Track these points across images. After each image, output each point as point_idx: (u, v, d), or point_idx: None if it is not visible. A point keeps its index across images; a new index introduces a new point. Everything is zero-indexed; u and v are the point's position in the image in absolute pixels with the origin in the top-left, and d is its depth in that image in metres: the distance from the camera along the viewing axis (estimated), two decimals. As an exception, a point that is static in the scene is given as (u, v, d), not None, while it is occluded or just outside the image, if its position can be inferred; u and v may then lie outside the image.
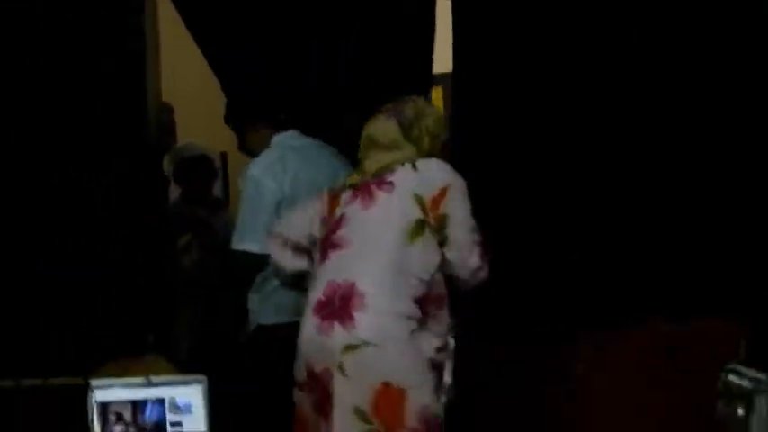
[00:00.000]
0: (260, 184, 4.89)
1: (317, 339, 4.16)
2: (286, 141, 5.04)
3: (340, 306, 4.13)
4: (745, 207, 5.07)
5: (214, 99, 5.48)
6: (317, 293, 4.21)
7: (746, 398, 3.63)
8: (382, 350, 4.07)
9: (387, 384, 4.07)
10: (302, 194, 4.84)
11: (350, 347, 4.08)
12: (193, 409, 4.61)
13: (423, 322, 4.14)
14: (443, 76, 5.77)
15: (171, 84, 6.28)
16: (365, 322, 4.08)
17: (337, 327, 4.10)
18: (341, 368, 4.08)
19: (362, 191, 4.28)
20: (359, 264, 4.17)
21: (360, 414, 4.08)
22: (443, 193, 4.21)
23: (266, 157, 4.98)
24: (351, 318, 4.10)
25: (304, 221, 4.40)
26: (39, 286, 5.09)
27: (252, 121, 5.07)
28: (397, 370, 4.09)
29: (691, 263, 5.09)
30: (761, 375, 3.65)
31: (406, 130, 4.30)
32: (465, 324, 4.32)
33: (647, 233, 5.17)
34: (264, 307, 4.94)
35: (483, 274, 4.27)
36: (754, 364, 3.77)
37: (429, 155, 4.29)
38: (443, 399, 4.19)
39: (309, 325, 4.19)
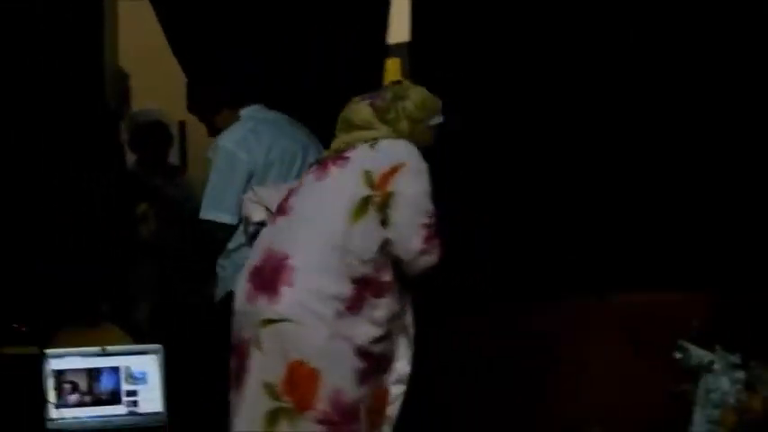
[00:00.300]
0: (233, 156, 4.89)
1: (244, 307, 4.11)
2: (257, 114, 5.04)
3: (269, 278, 4.05)
4: (721, 185, 5.08)
5: (172, 66, 5.45)
6: (254, 259, 4.16)
7: (693, 375, 3.69)
8: (300, 327, 3.97)
9: (300, 363, 3.96)
10: (276, 164, 4.90)
11: (269, 322, 4.01)
12: (149, 378, 4.63)
13: (356, 306, 4.01)
14: (399, 46, 5.76)
15: (127, 50, 6.24)
16: (288, 298, 3.99)
17: (261, 298, 4.04)
18: (258, 341, 4.03)
19: (320, 165, 4.25)
20: (296, 235, 4.09)
21: (269, 390, 3.99)
22: (394, 170, 4.07)
23: (239, 130, 4.96)
24: (276, 292, 4.02)
25: (280, 193, 4.35)
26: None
27: (215, 106, 5.05)
28: (313, 349, 3.96)
29: (663, 236, 5.11)
30: (707, 353, 3.71)
31: (381, 112, 4.20)
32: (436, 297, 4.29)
33: (626, 205, 5.17)
34: (236, 273, 4.91)
35: (428, 260, 4.08)
36: (716, 339, 3.84)
37: (411, 138, 4.18)
38: (400, 388, 4.11)
39: (241, 291, 4.14)
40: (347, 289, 4.00)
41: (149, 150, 6.10)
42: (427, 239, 4.05)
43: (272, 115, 5.08)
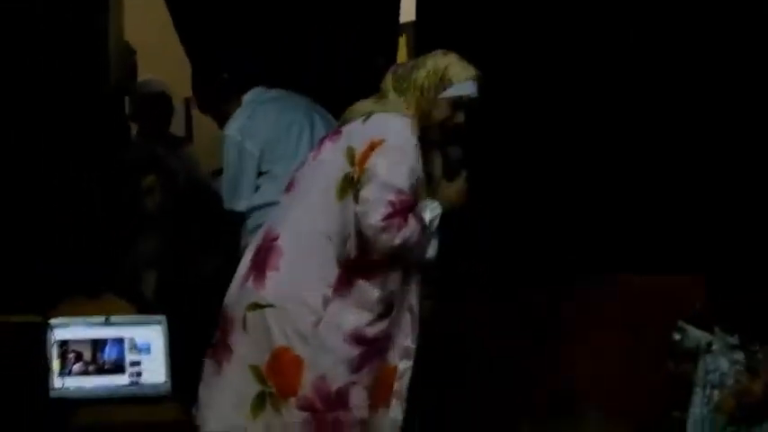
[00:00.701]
0: (239, 145, 4.93)
1: (237, 286, 4.06)
2: (257, 97, 5.06)
3: (261, 259, 3.99)
4: (722, 167, 5.10)
5: (177, 43, 5.48)
6: (258, 235, 4.12)
7: (692, 357, 3.71)
8: (285, 313, 3.89)
9: (285, 349, 3.89)
10: (282, 139, 4.94)
11: (255, 306, 3.95)
12: (153, 349, 4.67)
13: (344, 291, 3.90)
14: (406, 25, 5.77)
15: (134, 27, 6.24)
16: (274, 283, 3.92)
17: (251, 282, 3.98)
18: (244, 323, 3.97)
19: (322, 139, 4.19)
20: (288, 214, 4.02)
21: (256, 373, 3.93)
22: (372, 147, 3.86)
23: (240, 117, 4.99)
24: (263, 276, 3.95)
25: None
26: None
27: (223, 100, 5.08)
28: (297, 336, 3.88)
29: (663, 217, 5.13)
30: (706, 335, 3.73)
31: (397, 80, 3.99)
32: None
33: (627, 188, 5.19)
34: None
35: (387, 239, 3.82)
36: (715, 320, 3.86)
37: (417, 112, 3.96)
38: (407, 363, 4.00)
39: (240, 267, 4.10)
40: (334, 272, 3.90)
41: (151, 121, 6.10)
42: (387, 217, 3.79)
43: (273, 93, 5.11)
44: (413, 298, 4.02)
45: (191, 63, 5.36)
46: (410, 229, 3.84)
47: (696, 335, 3.75)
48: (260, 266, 3.99)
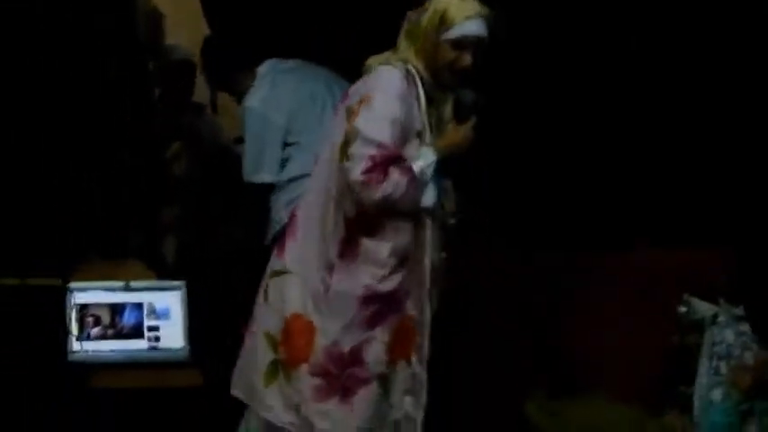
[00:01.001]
0: (262, 117, 4.87)
1: (271, 255, 4.08)
2: (274, 68, 5.00)
3: (286, 230, 4.02)
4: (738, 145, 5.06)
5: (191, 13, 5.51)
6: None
7: (698, 329, 3.68)
8: (298, 279, 3.90)
9: (298, 316, 3.88)
10: (305, 108, 4.90)
11: (275, 273, 3.96)
12: (172, 314, 4.70)
13: (352, 252, 3.85)
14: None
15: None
16: (291, 250, 3.93)
17: (276, 251, 4.01)
18: (265, 292, 3.99)
19: (337, 104, 4.18)
20: (310, 181, 4.06)
21: (270, 340, 3.94)
22: (361, 103, 3.80)
23: (262, 87, 4.93)
24: (284, 244, 3.97)
25: None
26: (22, 188, 5.11)
27: (236, 71, 5.04)
28: (310, 302, 3.88)
29: (682, 193, 5.09)
30: (711, 306, 3.70)
31: (409, 26, 3.89)
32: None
33: (645, 161, 5.16)
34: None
35: (369, 194, 3.75)
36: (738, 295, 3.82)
37: (424, 57, 3.84)
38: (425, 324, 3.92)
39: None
40: (342, 234, 3.85)
41: (176, 88, 6.09)
42: (367, 171, 3.73)
43: (290, 64, 5.06)
44: (428, 247, 3.91)
45: (210, 28, 5.34)
46: (392, 182, 3.76)
47: (702, 307, 3.72)
48: (284, 236, 4.02)
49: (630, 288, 4.81)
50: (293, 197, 4.66)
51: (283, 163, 4.90)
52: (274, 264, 3.99)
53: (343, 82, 4.93)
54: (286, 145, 4.90)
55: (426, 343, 3.92)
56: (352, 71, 4.11)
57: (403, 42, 3.91)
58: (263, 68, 5.00)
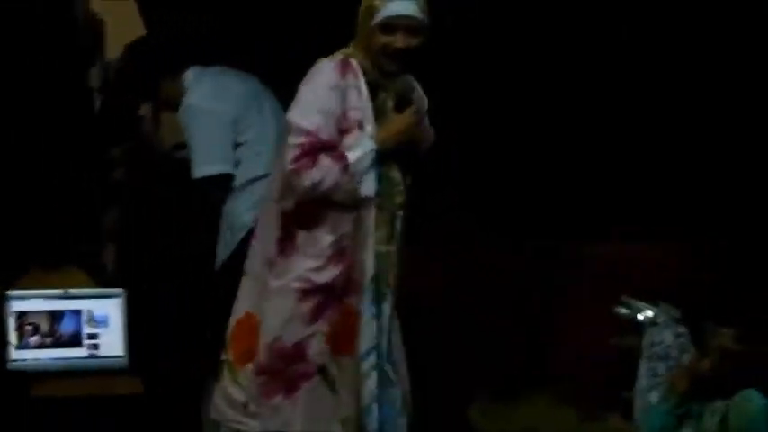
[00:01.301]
0: (210, 113, 4.74)
1: None
2: (205, 71, 4.91)
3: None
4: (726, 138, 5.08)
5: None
6: None
7: (637, 330, 3.71)
8: (251, 280, 4.05)
9: (250, 315, 4.00)
10: (251, 103, 4.82)
11: (244, 274, 4.11)
12: (111, 322, 4.65)
13: (288, 246, 3.93)
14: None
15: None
16: (252, 252, 4.07)
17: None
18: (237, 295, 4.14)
19: None
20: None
21: (225, 344, 4.07)
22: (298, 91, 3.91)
23: (201, 86, 4.84)
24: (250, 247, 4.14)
25: None
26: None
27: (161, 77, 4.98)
28: (256, 301, 3.99)
29: (661, 187, 5.11)
30: (650, 307, 3.73)
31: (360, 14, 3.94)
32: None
33: (629, 154, 5.17)
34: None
35: (298, 182, 3.83)
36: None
37: (363, 46, 3.91)
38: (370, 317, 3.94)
39: None
40: (279, 231, 3.93)
41: (122, 96, 6.03)
42: (296, 159, 3.80)
43: (218, 69, 4.95)
44: (370, 238, 3.91)
45: (146, 27, 5.29)
46: (321, 169, 3.80)
47: (640, 308, 3.75)
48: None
49: (587, 285, 4.85)
50: (254, 200, 4.61)
51: (234, 165, 4.84)
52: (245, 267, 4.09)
53: (271, 91, 4.91)
54: (237, 146, 4.83)
55: (386, 338, 3.95)
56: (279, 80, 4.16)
57: (356, 37, 3.95)
58: (190, 74, 4.88)
